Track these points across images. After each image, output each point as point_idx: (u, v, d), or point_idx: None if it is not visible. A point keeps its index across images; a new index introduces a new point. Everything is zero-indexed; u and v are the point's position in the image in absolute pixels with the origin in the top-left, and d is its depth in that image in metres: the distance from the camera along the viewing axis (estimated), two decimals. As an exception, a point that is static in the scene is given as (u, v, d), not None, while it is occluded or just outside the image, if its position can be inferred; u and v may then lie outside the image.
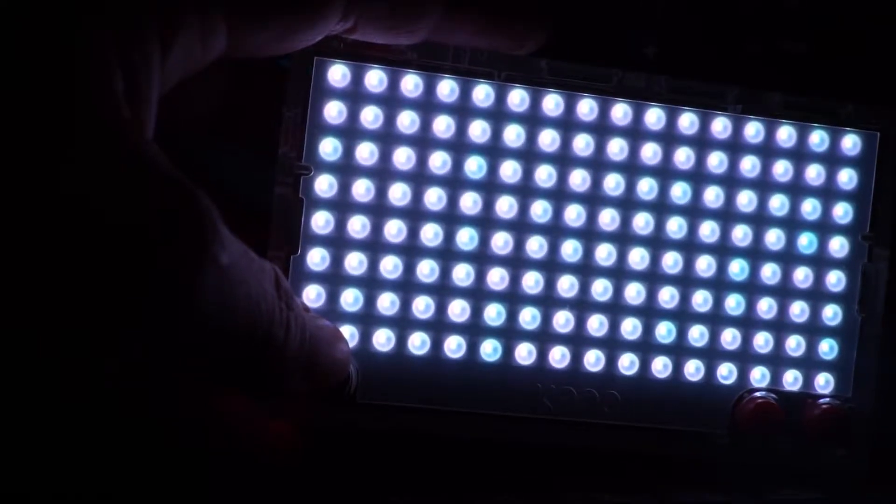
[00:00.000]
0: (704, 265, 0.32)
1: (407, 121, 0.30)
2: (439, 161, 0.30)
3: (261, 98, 0.31)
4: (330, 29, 0.27)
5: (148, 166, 0.21)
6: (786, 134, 0.32)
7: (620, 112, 0.31)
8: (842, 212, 0.32)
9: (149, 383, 0.24)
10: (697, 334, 0.32)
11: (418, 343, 0.30)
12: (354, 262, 0.30)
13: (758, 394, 0.32)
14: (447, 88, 0.30)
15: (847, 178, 0.32)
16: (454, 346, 0.31)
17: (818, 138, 0.32)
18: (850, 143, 0.32)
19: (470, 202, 0.30)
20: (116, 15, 0.22)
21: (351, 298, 0.30)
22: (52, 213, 0.20)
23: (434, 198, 0.30)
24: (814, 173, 0.32)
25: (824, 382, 0.33)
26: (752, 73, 0.34)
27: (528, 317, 0.31)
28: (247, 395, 0.27)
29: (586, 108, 0.31)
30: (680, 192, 0.32)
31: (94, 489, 0.25)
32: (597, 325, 0.31)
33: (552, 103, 0.31)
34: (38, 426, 0.23)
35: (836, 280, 0.33)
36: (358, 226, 0.30)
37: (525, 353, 0.31)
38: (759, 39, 0.36)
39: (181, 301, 0.21)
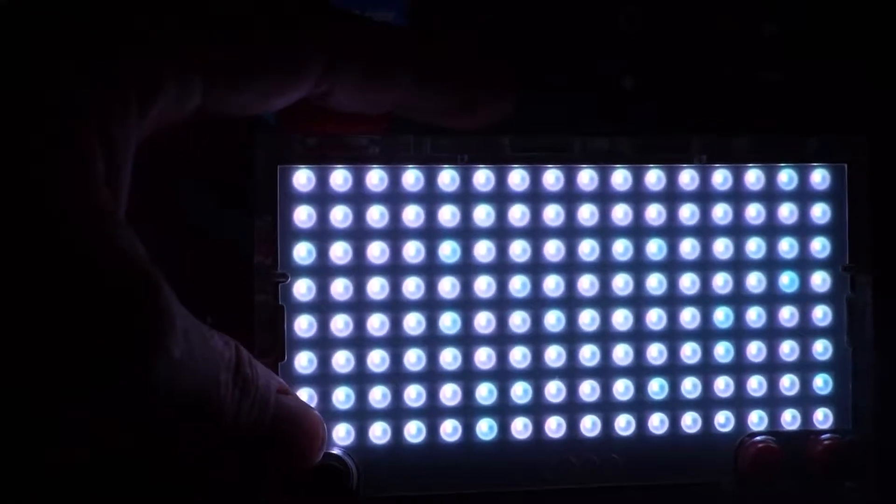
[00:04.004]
0: (689, 317, 0.32)
1: (376, 215, 0.30)
2: (413, 250, 0.31)
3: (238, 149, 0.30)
4: (307, 92, 0.27)
5: (117, 256, 0.21)
6: (754, 177, 0.32)
7: (587, 178, 0.31)
8: (819, 246, 0.33)
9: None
10: (690, 386, 0.32)
11: (414, 431, 0.31)
12: (342, 361, 0.30)
13: (758, 438, 0.32)
14: (412, 178, 0.30)
15: (820, 212, 0.33)
16: (450, 430, 0.31)
17: (786, 177, 0.32)
18: (819, 177, 0.32)
19: (448, 286, 0.31)
20: (100, 87, 0.22)
21: (342, 396, 0.30)
22: (17, 287, 0.21)
23: (412, 287, 0.31)
24: (786, 212, 0.32)
25: (823, 417, 0.33)
26: (729, 103, 0.34)
27: (520, 391, 0.31)
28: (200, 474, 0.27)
29: (552, 178, 0.31)
30: (655, 248, 0.32)
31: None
32: (588, 390, 0.31)
33: (518, 178, 0.31)
34: None
35: (821, 315, 0.33)
36: (341, 324, 0.30)
37: (521, 427, 0.31)
38: (735, 68, 0.36)
39: (128, 388, 0.22)
